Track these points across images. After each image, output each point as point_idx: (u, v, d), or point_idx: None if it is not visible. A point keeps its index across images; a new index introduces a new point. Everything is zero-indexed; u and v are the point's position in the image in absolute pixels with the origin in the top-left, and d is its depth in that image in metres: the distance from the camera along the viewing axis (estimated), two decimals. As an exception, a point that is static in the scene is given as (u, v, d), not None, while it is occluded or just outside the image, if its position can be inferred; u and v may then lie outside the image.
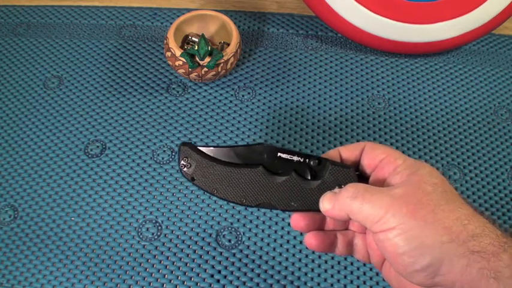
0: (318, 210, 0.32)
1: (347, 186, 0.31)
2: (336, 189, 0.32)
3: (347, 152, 0.34)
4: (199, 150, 0.34)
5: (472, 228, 0.27)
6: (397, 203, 0.28)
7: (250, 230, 0.49)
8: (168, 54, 0.56)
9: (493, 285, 0.25)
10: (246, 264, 0.47)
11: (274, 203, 0.34)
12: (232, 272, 0.47)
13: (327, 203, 0.31)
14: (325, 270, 0.47)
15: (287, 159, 0.34)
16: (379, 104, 0.59)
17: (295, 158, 0.34)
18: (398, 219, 0.27)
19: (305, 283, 0.46)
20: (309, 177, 0.34)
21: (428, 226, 0.27)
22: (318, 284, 0.46)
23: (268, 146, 0.34)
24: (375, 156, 0.32)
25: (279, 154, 0.34)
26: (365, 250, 0.35)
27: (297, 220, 0.35)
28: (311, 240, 0.35)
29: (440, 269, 0.27)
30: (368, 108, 0.58)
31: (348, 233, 0.36)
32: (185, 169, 0.34)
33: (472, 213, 0.28)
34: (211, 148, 0.35)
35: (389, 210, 0.27)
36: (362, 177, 0.34)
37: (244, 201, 0.34)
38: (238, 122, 0.57)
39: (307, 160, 0.34)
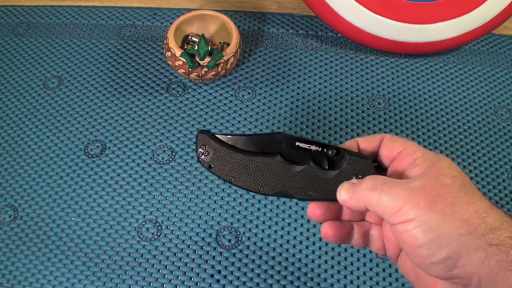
0: (335, 200, 0.33)
1: (366, 178, 0.31)
2: (354, 180, 0.32)
3: (365, 143, 0.34)
4: (217, 138, 0.34)
5: (490, 221, 0.27)
6: (415, 195, 0.28)
7: (250, 230, 0.49)
8: (168, 54, 0.56)
9: (511, 277, 0.25)
10: (246, 264, 0.47)
11: (291, 192, 0.34)
12: (232, 272, 0.47)
13: (344, 193, 0.31)
14: (325, 270, 0.47)
15: (305, 148, 0.34)
16: (379, 104, 0.59)
17: (313, 148, 0.34)
18: (416, 211, 0.27)
19: (305, 283, 0.46)
20: (327, 167, 0.34)
21: (446, 218, 0.27)
22: (318, 284, 0.46)
23: (287, 135, 0.34)
24: (393, 148, 0.33)
25: (297, 143, 0.34)
26: (381, 242, 0.35)
27: (314, 209, 0.35)
28: (327, 230, 0.35)
29: (458, 262, 0.27)
30: (368, 108, 0.58)
31: (364, 224, 0.36)
32: (202, 157, 0.34)
33: (490, 206, 0.28)
34: (229, 136, 0.34)
35: (407, 202, 0.28)
36: (380, 168, 0.34)
37: (262, 189, 0.34)
38: (238, 122, 0.57)
39: (325, 150, 0.34)
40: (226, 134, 0.35)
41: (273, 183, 0.34)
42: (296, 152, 0.34)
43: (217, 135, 0.34)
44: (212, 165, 0.34)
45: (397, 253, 0.34)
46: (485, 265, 0.26)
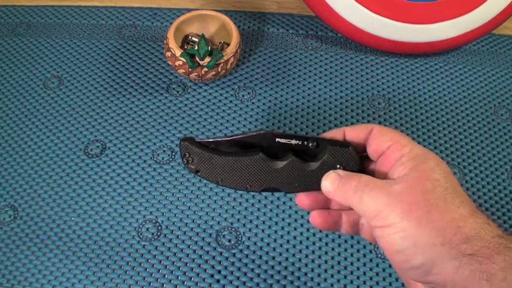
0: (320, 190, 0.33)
1: (352, 176, 0.31)
2: (340, 171, 0.32)
3: (352, 133, 0.34)
4: (199, 143, 0.35)
5: (466, 230, 0.27)
6: (394, 201, 0.28)
7: (250, 230, 0.49)
8: (168, 54, 0.56)
9: (485, 286, 0.25)
10: (246, 264, 0.47)
11: (278, 187, 0.34)
12: (232, 272, 0.47)
13: (329, 185, 0.32)
14: (325, 270, 0.47)
15: (285, 143, 0.34)
16: (379, 104, 0.59)
17: (293, 142, 0.34)
18: (393, 218, 0.28)
19: (305, 283, 0.46)
20: (309, 159, 0.34)
21: (421, 227, 0.27)
22: (318, 284, 0.46)
23: (266, 132, 0.35)
24: (382, 143, 0.32)
25: (277, 139, 0.34)
26: (371, 231, 0.34)
27: (302, 199, 0.35)
28: (316, 218, 0.35)
29: (432, 270, 0.27)
30: (368, 108, 0.58)
31: (353, 213, 0.35)
32: (188, 164, 0.35)
33: (469, 213, 0.27)
34: (211, 140, 0.35)
35: (385, 208, 0.28)
36: (368, 158, 0.34)
37: (249, 187, 0.34)
38: (238, 122, 0.57)
39: (305, 142, 0.34)
40: (208, 138, 0.35)
41: (259, 180, 0.34)
42: (277, 147, 0.34)
43: (198, 141, 0.35)
44: (199, 170, 0.35)
45: None
46: (459, 274, 0.26)
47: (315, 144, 0.34)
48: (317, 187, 0.33)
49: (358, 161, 0.33)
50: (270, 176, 0.34)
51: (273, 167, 0.34)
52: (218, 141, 0.35)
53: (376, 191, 0.29)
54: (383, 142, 0.32)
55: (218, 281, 0.47)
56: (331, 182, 0.32)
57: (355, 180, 0.30)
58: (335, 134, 0.35)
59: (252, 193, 0.52)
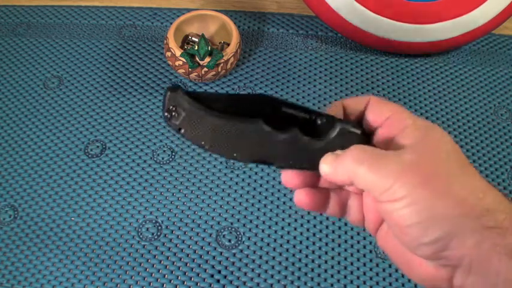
0: (318, 172, 0.30)
1: (351, 147, 0.28)
2: (338, 151, 0.29)
3: (351, 104, 0.31)
4: (191, 96, 0.29)
5: (487, 202, 0.25)
6: (408, 171, 0.25)
7: (250, 230, 0.49)
8: (168, 54, 0.56)
9: (506, 261, 0.24)
10: (246, 264, 0.47)
11: (271, 160, 0.30)
12: (232, 272, 0.47)
13: (327, 167, 0.29)
14: (325, 270, 0.47)
15: (292, 114, 0.30)
16: (379, 104, 0.58)
17: (301, 115, 0.31)
18: (408, 189, 0.25)
19: (305, 283, 0.46)
20: (314, 136, 0.30)
21: (440, 198, 0.25)
22: (318, 284, 0.46)
23: (272, 98, 0.30)
24: (380, 113, 0.29)
25: (283, 108, 0.30)
26: (360, 213, 0.32)
27: (291, 177, 0.31)
28: (301, 197, 0.32)
29: (450, 244, 0.25)
30: (368, 108, 0.58)
31: (342, 193, 0.32)
32: (172, 120, 0.29)
33: (487, 186, 0.26)
34: (205, 95, 0.30)
35: (398, 179, 0.25)
36: (366, 133, 0.31)
37: (237, 156, 0.29)
38: (238, 122, 0.56)
39: (313, 117, 0.30)
40: (203, 93, 0.30)
41: (251, 150, 0.29)
42: (281, 117, 0.30)
43: (189, 93, 0.29)
44: (182, 128, 0.29)
45: (377, 227, 0.31)
46: (478, 248, 0.24)
47: (324, 120, 0.30)
48: (314, 168, 0.30)
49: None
50: (265, 147, 0.29)
51: (272, 138, 0.29)
52: (213, 97, 0.30)
53: (386, 161, 0.26)
54: (382, 112, 0.29)
55: (218, 281, 0.47)
56: (329, 163, 0.29)
57: (357, 150, 0.27)
58: (335, 108, 0.32)
59: (253, 192, 0.52)
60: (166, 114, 0.29)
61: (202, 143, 0.29)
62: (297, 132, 0.29)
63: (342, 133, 0.29)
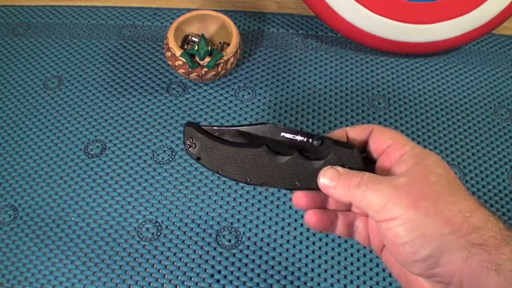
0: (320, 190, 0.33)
1: (353, 174, 0.30)
2: (339, 167, 0.32)
3: (354, 133, 0.34)
4: (204, 130, 0.35)
5: (474, 221, 0.26)
6: (400, 192, 0.28)
7: (250, 230, 0.49)
8: (168, 54, 0.56)
9: (494, 277, 0.25)
10: (246, 264, 0.47)
11: (278, 183, 0.34)
12: (232, 272, 0.47)
13: (328, 180, 0.31)
14: (325, 270, 0.47)
15: (290, 138, 0.34)
16: (379, 104, 0.59)
17: (299, 138, 0.34)
18: (399, 209, 0.27)
19: (305, 283, 0.46)
20: (313, 158, 0.33)
21: (429, 217, 0.27)
22: (318, 284, 0.46)
23: (272, 126, 0.34)
24: (382, 142, 0.32)
25: (282, 134, 0.34)
26: (366, 233, 0.35)
27: (299, 198, 0.35)
28: (311, 217, 0.34)
29: (440, 260, 0.26)
30: (368, 108, 0.58)
31: (349, 214, 0.35)
32: (190, 149, 0.35)
33: (475, 206, 0.27)
34: (216, 128, 0.35)
35: (391, 200, 0.27)
36: (368, 159, 0.34)
37: (249, 180, 0.34)
38: (238, 122, 0.57)
39: (310, 140, 0.34)
40: (213, 126, 0.35)
41: (260, 173, 0.34)
42: (282, 142, 0.34)
43: (203, 127, 0.35)
44: (200, 157, 0.34)
45: (382, 246, 0.34)
46: (467, 264, 0.26)
47: (319, 142, 0.33)
48: (317, 186, 0.33)
49: (362, 163, 0.33)
50: (271, 170, 0.34)
51: (276, 161, 0.33)
52: (223, 130, 0.35)
53: (380, 185, 0.29)
54: (384, 141, 0.32)
55: (218, 281, 0.47)
56: (329, 178, 0.31)
57: (358, 176, 0.30)
58: (338, 133, 0.34)
59: (252, 192, 0.52)
60: (186, 145, 0.35)
61: (219, 170, 0.34)
62: (296, 154, 0.33)
63: (337, 151, 0.33)
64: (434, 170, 0.29)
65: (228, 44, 0.57)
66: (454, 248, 0.26)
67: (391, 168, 0.31)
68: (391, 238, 0.28)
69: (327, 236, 0.49)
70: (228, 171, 0.34)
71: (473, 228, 0.26)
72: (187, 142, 0.34)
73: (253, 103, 0.58)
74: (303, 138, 0.34)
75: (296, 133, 0.34)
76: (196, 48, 0.54)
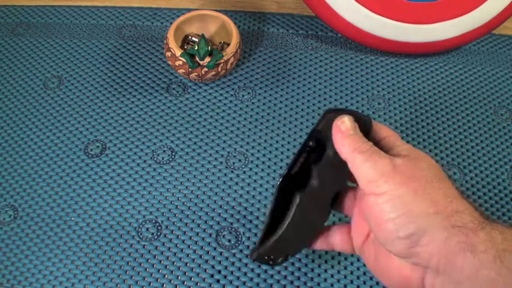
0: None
1: (365, 140, 0.32)
2: (355, 128, 0.33)
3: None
4: (260, 245, 0.36)
5: (456, 205, 0.28)
6: (394, 171, 0.29)
7: (250, 230, 0.49)
8: (168, 54, 0.56)
9: (469, 257, 0.26)
10: (246, 264, 0.47)
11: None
12: (232, 272, 0.47)
13: (344, 125, 0.32)
14: (325, 270, 0.47)
15: (300, 165, 0.35)
16: (379, 104, 0.59)
17: (301, 159, 0.35)
18: (389, 186, 0.29)
19: (305, 283, 0.46)
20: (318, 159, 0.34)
21: (417, 197, 0.28)
22: (318, 284, 0.46)
23: (276, 188, 0.35)
24: (380, 132, 0.34)
25: (292, 172, 0.35)
26: (347, 242, 0.37)
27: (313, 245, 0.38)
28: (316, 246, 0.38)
29: (422, 239, 0.28)
30: (368, 109, 0.58)
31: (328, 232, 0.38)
32: (277, 263, 0.37)
33: (458, 195, 0.30)
34: (261, 240, 0.36)
35: (385, 176, 0.29)
36: None
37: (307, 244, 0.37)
38: (238, 122, 0.57)
39: (307, 148, 0.35)
40: (260, 243, 0.37)
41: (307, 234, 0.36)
42: (285, 194, 0.35)
43: (259, 246, 0.36)
44: (283, 258, 0.36)
45: (363, 240, 0.35)
46: (446, 245, 0.27)
47: (314, 143, 0.34)
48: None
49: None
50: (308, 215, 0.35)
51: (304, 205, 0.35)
52: (265, 235, 0.36)
53: (381, 160, 0.30)
54: (381, 132, 0.34)
55: (218, 281, 0.47)
56: (347, 124, 0.32)
57: (368, 145, 0.31)
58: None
59: (253, 193, 0.52)
60: (272, 266, 0.39)
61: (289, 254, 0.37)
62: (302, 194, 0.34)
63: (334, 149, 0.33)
64: (425, 160, 0.31)
65: (228, 44, 0.57)
66: (436, 228, 0.27)
67: (388, 149, 0.33)
68: (376, 214, 0.29)
69: (327, 236, 0.49)
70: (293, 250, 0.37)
71: (455, 212, 0.28)
72: (272, 263, 0.36)
73: (253, 103, 0.58)
74: (304, 154, 0.35)
75: (297, 159, 0.35)
76: (196, 48, 0.54)
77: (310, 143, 0.34)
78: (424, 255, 0.28)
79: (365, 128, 0.33)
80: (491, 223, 0.28)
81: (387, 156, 0.30)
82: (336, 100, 0.58)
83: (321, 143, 0.34)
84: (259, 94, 0.59)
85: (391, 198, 0.28)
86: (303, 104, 0.58)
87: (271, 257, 0.36)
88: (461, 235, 0.27)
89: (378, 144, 0.33)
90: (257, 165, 0.53)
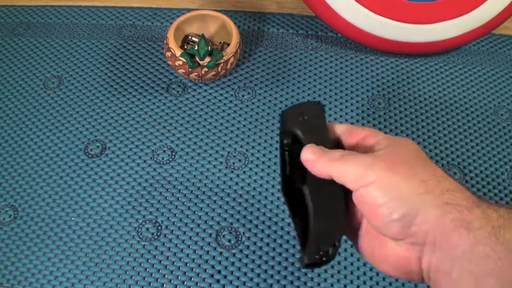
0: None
1: (335, 150, 0.32)
2: (322, 147, 0.33)
3: (335, 126, 0.36)
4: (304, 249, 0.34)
5: (446, 183, 0.28)
6: (379, 161, 0.29)
7: (250, 230, 0.49)
8: (168, 54, 0.56)
9: (464, 234, 0.26)
10: (246, 264, 0.47)
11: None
12: (232, 272, 0.47)
13: (311, 154, 0.32)
14: (325, 271, 0.47)
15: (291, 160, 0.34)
16: (379, 104, 0.59)
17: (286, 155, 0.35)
18: (377, 173, 0.29)
19: (305, 283, 0.46)
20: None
21: (406, 179, 0.28)
22: (318, 284, 0.46)
23: (283, 195, 0.35)
24: (358, 133, 0.34)
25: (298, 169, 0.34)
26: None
27: None
28: None
29: (416, 219, 0.28)
30: (368, 108, 0.58)
31: None
32: (330, 259, 0.34)
33: (445, 175, 0.30)
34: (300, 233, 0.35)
35: (369, 167, 0.29)
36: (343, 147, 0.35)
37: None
38: (238, 122, 0.57)
39: (284, 141, 0.35)
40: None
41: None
42: (295, 195, 0.34)
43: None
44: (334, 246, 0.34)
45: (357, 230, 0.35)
46: (440, 222, 0.27)
47: (289, 140, 0.34)
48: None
49: (324, 113, 0.35)
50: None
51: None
52: (303, 239, 0.35)
53: (360, 157, 0.30)
54: (360, 132, 0.34)
55: (218, 281, 0.47)
56: (312, 153, 0.32)
57: (339, 151, 0.31)
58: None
59: (252, 192, 0.52)
60: (324, 260, 0.34)
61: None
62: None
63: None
64: (406, 147, 0.31)
65: (228, 44, 0.57)
66: (429, 206, 0.28)
67: (367, 152, 0.33)
68: (369, 201, 0.29)
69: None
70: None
71: (446, 190, 0.28)
72: (324, 260, 0.33)
73: (253, 103, 0.58)
74: (286, 148, 0.35)
75: (282, 157, 0.35)
76: (196, 48, 0.54)
77: (285, 141, 0.34)
78: (419, 234, 0.28)
79: (319, 113, 0.34)
80: (485, 202, 0.28)
81: (364, 154, 0.31)
82: (336, 100, 0.58)
83: (295, 137, 0.35)
84: (259, 94, 0.59)
85: (381, 185, 0.29)
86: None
87: (321, 253, 0.35)
88: (456, 212, 0.27)
89: (354, 148, 0.34)
90: (257, 165, 0.53)
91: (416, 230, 0.28)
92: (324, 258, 0.33)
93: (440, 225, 0.27)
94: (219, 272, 0.47)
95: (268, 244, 0.49)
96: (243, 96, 0.59)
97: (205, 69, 0.55)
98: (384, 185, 0.29)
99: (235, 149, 0.55)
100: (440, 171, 0.30)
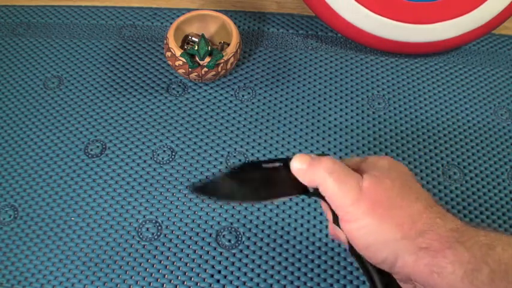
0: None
1: (325, 157, 0.32)
2: (312, 154, 0.33)
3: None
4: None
5: (420, 225, 0.29)
6: (361, 197, 0.30)
7: (250, 230, 0.49)
8: (168, 54, 0.56)
9: (437, 279, 0.27)
10: (246, 264, 0.47)
11: (266, 195, 0.35)
12: (232, 272, 0.47)
13: (299, 163, 0.32)
14: (325, 271, 0.47)
15: (270, 167, 0.35)
16: (379, 104, 0.59)
17: (276, 164, 0.35)
18: (358, 214, 0.29)
19: (305, 283, 0.46)
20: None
21: (383, 224, 0.29)
22: (318, 284, 0.46)
23: (253, 161, 0.36)
24: (352, 164, 0.34)
25: (263, 165, 0.35)
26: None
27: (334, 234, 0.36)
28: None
29: (396, 263, 0.29)
30: (368, 108, 0.58)
31: None
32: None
33: (424, 208, 0.29)
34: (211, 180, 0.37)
35: (353, 204, 0.30)
36: None
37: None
38: (238, 122, 0.57)
39: (277, 163, 0.35)
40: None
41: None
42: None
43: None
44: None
45: None
46: (416, 267, 0.28)
47: (281, 164, 0.34)
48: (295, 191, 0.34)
49: None
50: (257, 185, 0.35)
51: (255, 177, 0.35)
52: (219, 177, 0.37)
53: (350, 183, 0.30)
54: (351, 163, 0.34)
55: (218, 281, 0.47)
56: (300, 160, 0.32)
57: (330, 161, 0.31)
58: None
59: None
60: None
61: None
62: (266, 171, 0.34)
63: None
64: (388, 174, 0.31)
65: (228, 44, 0.57)
66: (406, 252, 0.28)
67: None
68: (354, 241, 0.30)
69: (326, 235, 0.49)
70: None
71: (420, 233, 0.28)
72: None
73: (253, 103, 0.58)
74: (276, 163, 0.35)
75: (272, 161, 0.35)
76: (196, 48, 0.54)
77: (277, 164, 0.35)
78: (403, 275, 0.29)
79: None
80: (462, 235, 0.28)
81: (354, 177, 0.30)
82: (336, 100, 0.58)
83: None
84: (259, 94, 0.59)
85: (361, 227, 0.29)
86: (303, 104, 0.58)
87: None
88: (428, 257, 0.27)
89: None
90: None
91: (399, 271, 0.29)
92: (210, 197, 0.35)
93: (416, 269, 0.28)
94: (219, 272, 0.47)
95: (268, 244, 0.49)
96: (243, 96, 0.59)
97: (205, 69, 0.55)
98: (364, 227, 0.29)
99: (235, 149, 0.55)
100: (418, 205, 0.29)
